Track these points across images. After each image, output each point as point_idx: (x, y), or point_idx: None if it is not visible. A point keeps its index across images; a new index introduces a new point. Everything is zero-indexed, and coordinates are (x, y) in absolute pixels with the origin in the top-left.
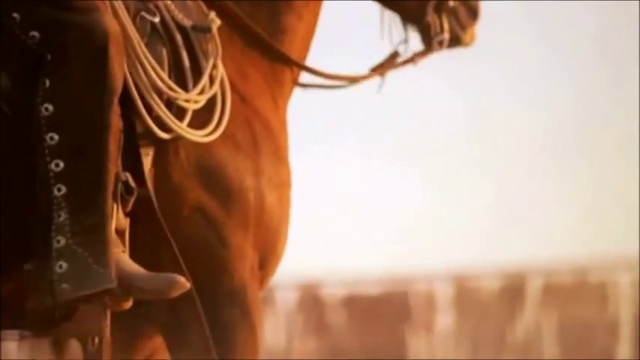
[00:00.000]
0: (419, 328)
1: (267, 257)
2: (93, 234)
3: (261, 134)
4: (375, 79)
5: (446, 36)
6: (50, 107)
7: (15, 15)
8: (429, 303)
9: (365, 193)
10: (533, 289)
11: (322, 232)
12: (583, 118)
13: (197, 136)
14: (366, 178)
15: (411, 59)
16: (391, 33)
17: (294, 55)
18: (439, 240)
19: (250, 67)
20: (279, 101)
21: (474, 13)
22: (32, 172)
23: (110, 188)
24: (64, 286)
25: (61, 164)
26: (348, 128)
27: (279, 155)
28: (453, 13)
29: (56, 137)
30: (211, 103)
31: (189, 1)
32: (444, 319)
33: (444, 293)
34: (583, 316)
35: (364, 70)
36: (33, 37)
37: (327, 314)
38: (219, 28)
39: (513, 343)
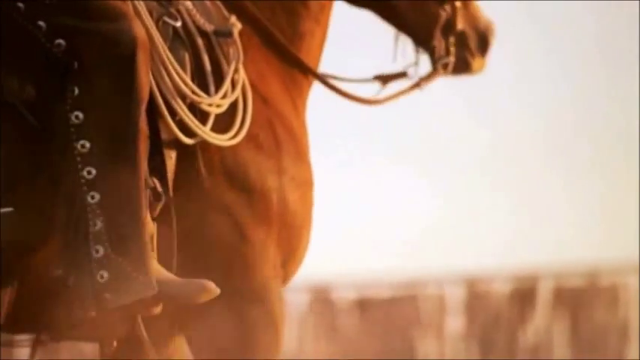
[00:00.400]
0: (429, 332)
1: (290, 256)
2: (130, 241)
3: (282, 135)
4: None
5: (451, 59)
6: (80, 115)
7: (40, 23)
8: (440, 306)
9: (377, 197)
10: (544, 292)
11: (333, 235)
12: (584, 119)
13: (220, 139)
14: (378, 182)
15: (417, 84)
16: (403, 54)
17: (310, 59)
18: (450, 243)
19: (270, 69)
20: (298, 103)
21: (484, 43)
22: (61, 181)
23: (144, 195)
24: (107, 295)
25: (94, 172)
26: (359, 131)
27: (301, 155)
28: (462, 39)
29: (87, 145)
30: (233, 106)
31: (210, 4)
32: (455, 323)
33: (455, 296)
34: (594, 319)
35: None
36: (59, 45)
37: (338, 317)
38: (240, 30)
39: (524, 347)
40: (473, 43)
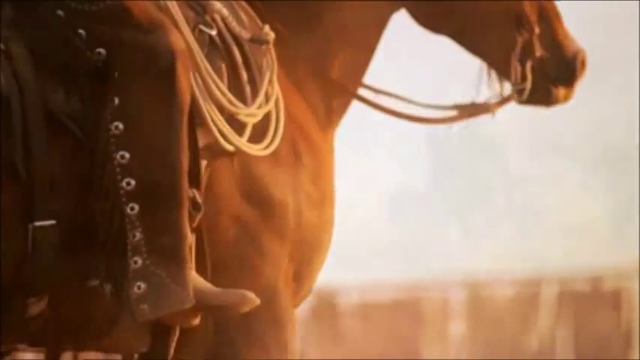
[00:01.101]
0: (433, 336)
1: (303, 270)
2: (169, 253)
3: (303, 151)
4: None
5: (527, 85)
6: (120, 125)
7: (80, 31)
8: (443, 310)
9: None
10: (548, 296)
11: (337, 240)
12: (583, 123)
13: (254, 149)
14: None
15: (486, 108)
16: (486, 79)
17: (346, 78)
18: (453, 247)
19: (297, 83)
20: (327, 119)
21: (569, 72)
22: (101, 192)
23: (185, 207)
24: (143, 306)
25: (133, 183)
26: (361, 131)
27: (321, 173)
28: (542, 66)
29: (127, 156)
30: (266, 116)
31: (243, 14)
32: (458, 327)
33: (458, 300)
34: (597, 323)
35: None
36: (99, 53)
37: (341, 322)
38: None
39: (527, 351)
40: (555, 71)
